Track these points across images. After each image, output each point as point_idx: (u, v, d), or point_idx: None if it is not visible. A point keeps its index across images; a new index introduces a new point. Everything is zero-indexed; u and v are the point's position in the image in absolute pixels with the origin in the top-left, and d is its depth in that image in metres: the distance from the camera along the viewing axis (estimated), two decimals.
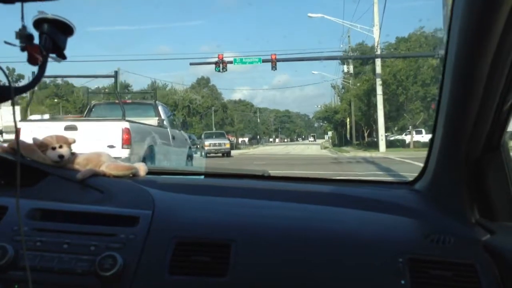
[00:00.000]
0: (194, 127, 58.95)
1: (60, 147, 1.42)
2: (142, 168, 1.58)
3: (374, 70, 26.01)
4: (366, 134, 38.79)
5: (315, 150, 33.35)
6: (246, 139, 77.59)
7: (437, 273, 1.00)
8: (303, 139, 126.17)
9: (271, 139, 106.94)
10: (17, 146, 0.97)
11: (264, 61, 23.57)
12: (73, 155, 1.47)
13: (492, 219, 1.15)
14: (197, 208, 1.25)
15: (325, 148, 42.17)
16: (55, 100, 59.38)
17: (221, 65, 23.61)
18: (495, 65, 0.94)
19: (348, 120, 41.36)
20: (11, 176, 1.09)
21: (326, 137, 64.45)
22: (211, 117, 56.91)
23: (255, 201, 1.34)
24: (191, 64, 24.40)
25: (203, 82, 63.96)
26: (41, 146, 1.41)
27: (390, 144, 25.78)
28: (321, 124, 75.59)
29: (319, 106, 55.57)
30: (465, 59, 0.99)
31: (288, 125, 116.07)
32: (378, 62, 24.52)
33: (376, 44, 24.43)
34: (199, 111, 57.22)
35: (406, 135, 31.77)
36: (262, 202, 1.33)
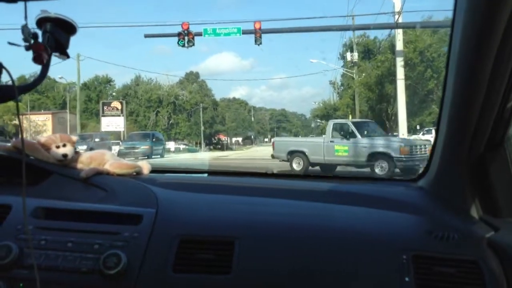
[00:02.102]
0: (180, 125, 51.06)
1: (64, 145, 1.43)
2: (145, 167, 1.57)
3: (392, 47, 18.32)
4: None
5: None
6: (240, 139, 70.68)
7: (441, 269, 1.02)
8: None
9: (266, 139, 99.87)
10: (22, 145, 0.99)
11: (245, 32, 17.88)
12: (77, 153, 1.48)
13: (496, 215, 1.16)
14: (200, 206, 1.26)
15: None
16: (34, 96, 51.78)
17: (186, 37, 17.92)
18: (498, 62, 0.97)
19: (350, 117, 33.51)
20: (15, 175, 1.15)
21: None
22: (200, 115, 49.20)
23: (258, 198, 1.35)
24: (145, 36, 17.05)
25: (192, 77, 56.52)
26: (45, 145, 1.42)
27: None
28: (318, 124, 68.08)
29: (316, 102, 48.17)
30: (469, 56, 1.01)
31: (284, 125, 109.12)
32: (399, 35, 16.95)
33: (396, 10, 16.78)
34: (186, 108, 49.59)
35: (423, 134, 24.09)
36: (266, 199, 1.34)
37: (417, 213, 1.25)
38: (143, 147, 21.78)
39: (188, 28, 17.68)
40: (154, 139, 24.10)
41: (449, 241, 1.09)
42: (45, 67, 0.86)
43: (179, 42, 17.66)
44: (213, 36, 17.90)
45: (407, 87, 18.78)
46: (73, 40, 0.92)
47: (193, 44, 17.67)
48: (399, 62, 17.96)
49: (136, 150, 20.91)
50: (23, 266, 1.02)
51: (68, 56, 0.92)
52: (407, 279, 1.01)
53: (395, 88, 18.98)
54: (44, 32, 0.86)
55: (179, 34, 17.65)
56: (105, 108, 35.95)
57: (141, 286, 1.02)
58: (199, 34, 17.89)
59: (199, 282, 1.02)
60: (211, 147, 45.67)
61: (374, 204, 1.30)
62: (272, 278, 1.03)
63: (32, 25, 0.83)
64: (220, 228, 1.13)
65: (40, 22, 0.86)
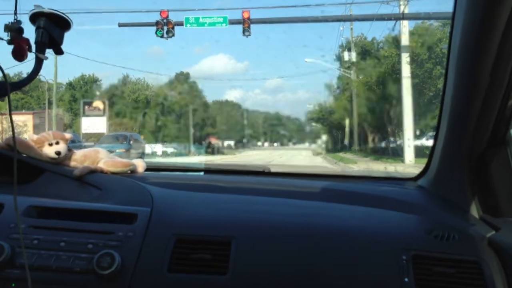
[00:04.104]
0: (168, 127, 49.27)
1: (57, 143, 1.43)
2: (140, 165, 1.59)
3: (397, 42, 16.57)
4: (370, 138, 29.48)
5: (307, 158, 27.85)
6: (232, 143, 69.37)
7: (441, 270, 1.02)
8: (293, 144, 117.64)
9: (259, 143, 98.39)
10: (13, 142, 0.99)
11: (232, 22, 16.50)
12: (70, 151, 1.49)
13: (496, 215, 1.17)
14: (196, 205, 1.25)
15: (318, 154, 33.41)
16: (18, 95, 49.92)
17: (165, 27, 15.73)
18: (499, 60, 0.97)
19: (347, 121, 32.04)
20: (8, 173, 1.15)
21: (319, 141, 55.61)
22: (189, 117, 47.46)
23: (255, 197, 1.35)
24: (119, 25, 15.13)
25: (182, 78, 54.65)
26: (38, 142, 1.43)
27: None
28: (313, 128, 66.65)
29: (311, 105, 46.43)
30: (469, 54, 1.02)
31: (278, 128, 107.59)
32: (405, 28, 15.19)
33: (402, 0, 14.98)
34: (175, 109, 47.70)
35: (427, 139, 22.59)
36: (263, 198, 1.34)
37: (416, 213, 1.25)
38: (119, 150, 19.61)
39: (168, 16, 16.40)
40: (131, 141, 22.05)
41: (449, 241, 1.09)
42: (38, 64, 0.85)
43: (157, 32, 16.44)
44: (195, 26, 16.54)
45: (414, 86, 16.90)
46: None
47: (173, 35, 16.29)
48: (405, 58, 16.17)
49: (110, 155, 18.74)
50: (15, 266, 1.01)
51: (61, 53, 0.90)
52: (406, 279, 1.01)
53: (399, 88, 17.13)
54: (37, 27, 0.85)
55: (157, 23, 16.28)
56: (86, 108, 34.05)
57: (136, 287, 1.01)
58: (180, 24, 16.52)
59: (194, 282, 1.02)
60: (201, 150, 43.70)
61: (374, 203, 1.30)
62: (269, 278, 1.03)
63: (26, 22, 0.82)
64: (217, 227, 1.13)
65: (34, 17, 0.85)
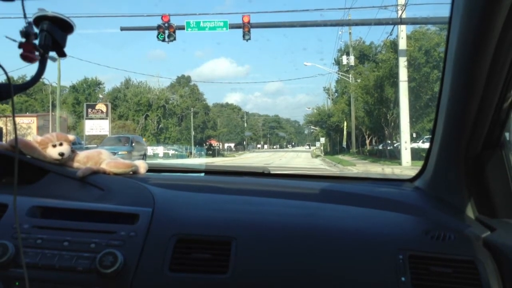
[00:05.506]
0: (170, 130, 49.10)
1: (61, 144, 1.43)
2: (142, 166, 1.58)
3: (394, 46, 16.48)
4: (368, 141, 29.42)
5: (306, 160, 27.68)
6: (232, 145, 69.29)
7: (437, 269, 1.02)
8: (293, 146, 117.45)
9: (259, 145, 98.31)
10: (15, 143, 0.98)
11: (232, 26, 16.31)
12: (73, 152, 1.48)
13: (492, 215, 1.17)
14: (197, 206, 1.25)
15: (317, 156, 33.49)
16: (22, 98, 49.78)
17: (166, 31, 16.34)
18: (495, 63, 0.97)
19: (345, 123, 32.04)
20: (11, 174, 1.17)
21: (318, 143, 55.54)
22: (190, 120, 47.33)
23: (255, 198, 1.34)
24: (121, 29, 15.10)
25: (183, 81, 54.59)
26: (42, 143, 1.42)
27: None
28: (312, 130, 66.73)
29: (310, 108, 46.32)
30: (465, 57, 1.02)
31: (277, 131, 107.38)
32: (403, 33, 15.18)
33: (400, 3, 14.90)
34: (176, 112, 47.65)
35: (423, 142, 22.45)
36: (263, 199, 1.33)
37: (413, 213, 1.24)
38: (121, 152, 19.42)
39: (169, 20, 16.32)
40: (133, 143, 21.68)
41: (445, 241, 1.08)
42: (41, 67, 0.85)
43: (159, 36, 16.32)
44: (196, 30, 16.56)
45: (411, 90, 16.80)
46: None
47: (174, 39, 16.19)
48: (402, 62, 16.07)
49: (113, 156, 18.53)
50: (19, 265, 1.01)
51: (65, 55, 0.90)
52: (403, 279, 1.00)
53: (396, 91, 17.05)
54: (41, 30, 0.85)
55: (158, 27, 16.18)
56: (89, 110, 34.04)
57: (138, 285, 1.01)
58: (182, 28, 16.47)
59: (195, 281, 1.02)
60: (202, 152, 43.56)
61: (371, 204, 1.29)
62: (269, 278, 1.03)
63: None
64: (217, 227, 1.12)
65: (37, 21, 0.85)
